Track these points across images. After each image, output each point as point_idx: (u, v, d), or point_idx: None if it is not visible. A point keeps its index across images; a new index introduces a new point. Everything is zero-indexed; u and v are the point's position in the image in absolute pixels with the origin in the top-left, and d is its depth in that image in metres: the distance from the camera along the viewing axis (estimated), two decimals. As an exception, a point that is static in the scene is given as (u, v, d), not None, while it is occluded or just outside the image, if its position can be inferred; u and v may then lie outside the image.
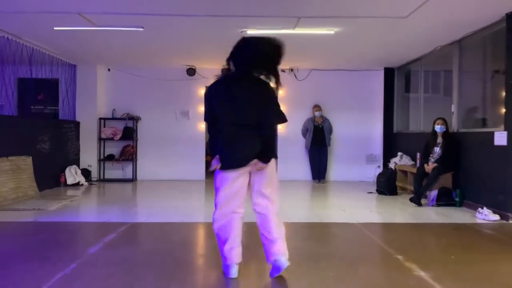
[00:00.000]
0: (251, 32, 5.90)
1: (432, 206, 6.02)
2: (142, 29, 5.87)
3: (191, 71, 8.93)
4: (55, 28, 5.87)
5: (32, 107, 8.96)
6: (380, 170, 9.02)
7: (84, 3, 4.91)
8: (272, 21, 5.50)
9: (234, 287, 2.88)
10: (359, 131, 9.25)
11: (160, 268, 3.18)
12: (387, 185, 7.15)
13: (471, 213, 5.50)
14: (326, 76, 9.15)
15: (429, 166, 6.25)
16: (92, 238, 4.25)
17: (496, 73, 7.03)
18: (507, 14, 5.09)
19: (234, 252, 2.91)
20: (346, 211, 5.64)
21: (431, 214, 5.55)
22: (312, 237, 4.36)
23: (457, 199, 5.99)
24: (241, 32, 5.92)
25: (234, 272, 2.93)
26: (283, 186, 7.84)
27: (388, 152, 8.88)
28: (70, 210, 5.58)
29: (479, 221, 5.07)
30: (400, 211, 5.79)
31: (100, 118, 8.90)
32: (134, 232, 4.47)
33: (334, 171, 9.23)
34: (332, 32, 5.85)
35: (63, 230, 4.55)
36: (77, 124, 8.72)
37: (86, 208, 5.91)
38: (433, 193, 6.11)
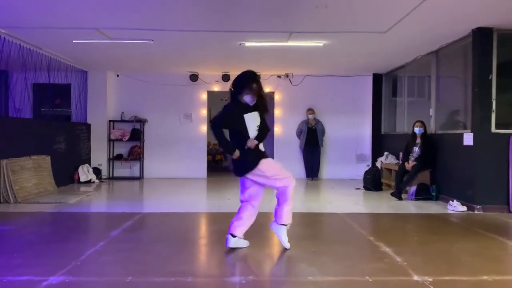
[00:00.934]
0: (249, 44, 6.61)
1: (412, 200, 6.71)
2: (152, 42, 6.57)
3: (193, 77, 9.64)
4: (74, 41, 6.58)
5: (42, 109, 9.64)
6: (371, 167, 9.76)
7: (102, 20, 5.60)
8: (267, 35, 6.20)
9: (225, 256, 3.56)
10: (350, 132, 9.95)
11: (170, 243, 3.88)
12: (372, 181, 7.84)
13: (444, 205, 6.19)
14: (319, 82, 9.86)
15: (409, 164, 6.95)
16: (112, 224, 4.94)
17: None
18: (473, 30, 5.79)
19: (233, 225, 3.70)
20: (333, 204, 6.34)
21: (409, 207, 6.25)
22: (300, 224, 5.05)
23: (433, 194, 6.69)
24: (240, 44, 6.63)
25: (228, 241, 3.69)
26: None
27: (377, 152, 9.58)
28: (87, 203, 6.28)
29: (449, 211, 5.77)
30: (382, 204, 6.49)
31: (110, 121, 9.60)
32: (147, 220, 5.17)
33: (327, 169, 9.93)
34: (320, 44, 6.56)
35: (85, 219, 5.26)
36: (88, 126, 9.42)
37: (101, 202, 6.61)
38: (413, 189, 6.80)
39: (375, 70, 9.56)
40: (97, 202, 6.56)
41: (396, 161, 8.35)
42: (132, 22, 5.67)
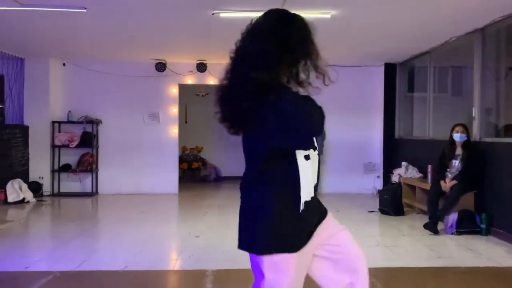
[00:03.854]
0: (226, 15, 4.65)
1: (452, 234, 4.84)
2: (84, 11, 4.56)
3: (160, 66, 7.63)
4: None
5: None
6: (380, 180, 7.92)
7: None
8: (252, 0, 4.24)
9: None
10: (356, 136, 8.04)
11: None
12: (392, 203, 5.96)
13: (505, 247, 4.33)
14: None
15: (447, 184, 5.08)
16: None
17: (511, 70, 5.99)
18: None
19: None
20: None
21: (454, 248, 4.38)
22: None
23: (482, 226, 4.82)
24: (213, 14, 4.66)
25: None
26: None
27: (389, 161, 7.71)
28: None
29: (519, 260, 3.91)
30: (414, 242, 4.60)
31: (54, 122, 7.55)
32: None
33: (328, 182, 8.00)
34: (328, 15, 4.61)
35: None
36: (24, 129, 7.36)
37: (10, 243, 4.56)
38: (452, 217, 4.92)
39: (388, 59, 7.65)
40: (5, 243, 4.51)
41: (420, 175, 6.48)
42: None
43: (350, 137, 8.03)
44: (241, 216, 1.61)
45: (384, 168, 7.85)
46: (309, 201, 1.56)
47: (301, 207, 1.53)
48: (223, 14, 4.61)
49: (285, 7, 4.06)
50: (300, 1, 4.22)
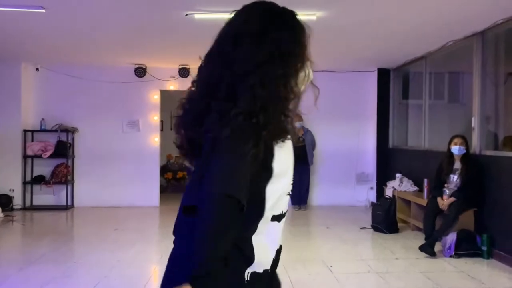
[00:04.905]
0: (201, 16, 4.21)
1: (450, 256, 4.41)
2: (43, 11, 4.11)
3: (140, 71, 7.17)
4: None
5: None
6: (374, 192, 7.50)
7: None
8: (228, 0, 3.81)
9: None
10: (348, 145, 7.62)
11: None
12: (386, 220, 5.52)
13: (508, 273, 3.91)
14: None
15: (444, 202, 4.65)
16: None
17: (510, 76, 5.61)
18: None
19: None
20: (334, 269, 3.98)
21: (452, 276, 3.94)
22: None
23: (483, 248, 4.40)
24: (186, 15, 4.22)
25: None
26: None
27: (383, 172, 7.30)
28: None
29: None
30: (409, 267, 4.16)
31: (26, 130, 7.07)
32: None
33: (318, 194, 7.58)
34: (313, 17, 4.18)
35: None
36: (-7, 138, 6.88)
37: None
38: (451, 238, 4.50)
39: (381, 64, 7.25)
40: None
41: (416, 188, 6.06)
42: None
43: (341, 146, 7.61)
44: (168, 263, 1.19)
45: (377, 179, 7.43)
46: (262, 273, 1.12)
47: (246, 278, 1.10)
48: (198, 15, 4.17)
49: None
50: (283, 2, 3.78)
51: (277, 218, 1.14)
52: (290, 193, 1.20)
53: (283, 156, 1.13)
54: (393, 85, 7.48)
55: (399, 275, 3.97)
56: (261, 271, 1.12)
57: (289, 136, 1.14)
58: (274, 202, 1.12)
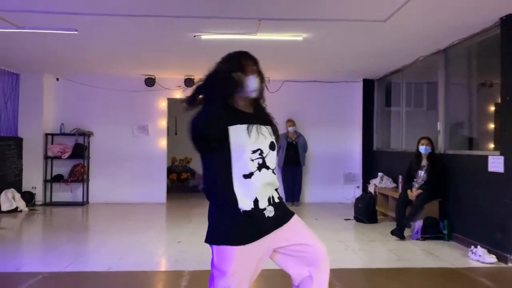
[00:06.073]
0: (206, 37, 5.05)
1: (417, 239, 5.20)
2: (76, 32, 4.95)
3: (150, 81, 8.02)
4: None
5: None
6: (360, 190, 8.27)
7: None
8: (229, 24, 4.65)
9: None
10: (337, 148, 8.46)
11: None
12: (366, 211, 6.32)
13: (462, 251, 4.69)
14: (300, 88, 8.34)
15: (413, 193, 5.45)
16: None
17: (482, 86, 6.39)
18: (501, 18, 4.34)
19: None
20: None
21: (416, 252, 4.72)
22: (268, 283, 3.47)
23: (445, 232, 5.19)
24: (194, 36, 5.06)
25: None
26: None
27: (368, 172, 8.09)
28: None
29: (472, 263, 4.26)
30: (380, 247, 4.95)
31: (47, 134, 7.89)
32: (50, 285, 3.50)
33: (310, 192, 8.39)
34: (300, 38, 5.03)
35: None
36: (18, 141, 7.68)
37: (3, 248, 4.86)
38: (418, 224, 5.29)
39: (366, 75, 8.10)
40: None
41: (394, 185, 6.86)
42: (43, 1, 4.05)
43: (331, 149, 8.42)
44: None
45: (363, 179, 8.22)
46: (250, 211, 1.86)
47: (241, 214, 1.85)
48: (204, 36, 5.01)
49: (259, 32, 4.64)
50: (273, 25, 4.63)
51: (246, 176, 1.86)
52: (254, 159, 1.88)
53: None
54: (377, 94, 8.30)
55: (370, 252, 4.76)
56: (249, 209, 1.86)
57: None
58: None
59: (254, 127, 1.91)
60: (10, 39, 5.44)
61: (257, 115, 2.01)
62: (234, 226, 1.86)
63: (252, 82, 1.96)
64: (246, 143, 1.87)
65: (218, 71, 1.98)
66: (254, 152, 1.88)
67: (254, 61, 2.04)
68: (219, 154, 1.87)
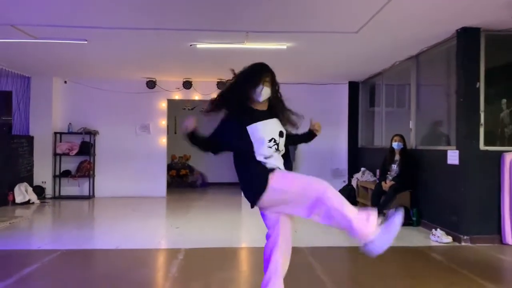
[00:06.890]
0: (201, 46, 5.70)
1: (389, 225, 5.84)
2: (86, 42, 5.60)
3: (151, 84, 8.67)
4: (-9, 41, 5.57)
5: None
6: (346, 184, 8.90)
7: (17, 15, 4.62)
8: (220, 35, 5.29)
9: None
10: (325, 145, 9.07)
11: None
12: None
13: (426, 233, 5.34)
14: (289, 90, 8.82)
15: (386, 184, 6.10)
16: (7, 269, 3.91)
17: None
18: (457, 30, 4.99)
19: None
20: (298, 232, 5.41)
21: (386, 235, 5.35)
22: (255, 261, 4.11)
23: (414, 219, 5.84)
24: (191, 45, 5.71)
25: None
26: (246, 205, 7.63)
27: (353, 167, 8.74)
28: (4, 234, 5.22)
29: (432, 243, 4.91)
30: (355, 231, 5.58)
31: (56, 133, 8.54)
32: (60, 262, 4.15)
33: (299, 186, 9.01)
34: (284, 47, 5.68)
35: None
36: (30, 139, 8.33)
37: (22, 232, 5.53)
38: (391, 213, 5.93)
39: (351, 78, 8.74)
40: (18, 232, 5.48)
41: (374, 179, 7.50)
42: (55, 18, 4.70)
43: (319, 146, 9.03)
44: None
45: (348, 174, 8.86)
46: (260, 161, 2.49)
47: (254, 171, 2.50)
48: (199, 45, 5.66)
49: (247, 41, 5.41)
50: (259, 36, 5.27)
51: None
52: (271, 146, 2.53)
53: None
54: (362, 95, 8.94)
55: (344, 234, 5.38)
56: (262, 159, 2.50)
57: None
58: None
59: (266, 122, 2.53)
60: (24, 47, 6.05)
61: (270, 111, 2.64)
62: (254, 184, 2.54)
63: (258, 91, 2.57)
64: (263, 135, 2.49)
65: (237, 81, 2.62)
66: (270, 141, 2.52)
67: (268, 72, 2.65)
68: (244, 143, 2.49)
